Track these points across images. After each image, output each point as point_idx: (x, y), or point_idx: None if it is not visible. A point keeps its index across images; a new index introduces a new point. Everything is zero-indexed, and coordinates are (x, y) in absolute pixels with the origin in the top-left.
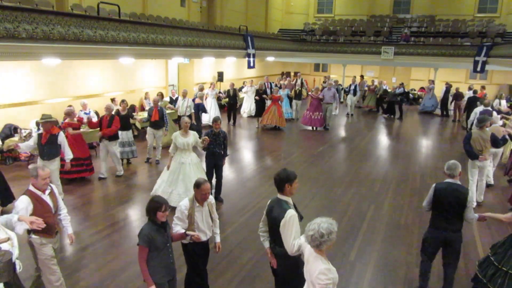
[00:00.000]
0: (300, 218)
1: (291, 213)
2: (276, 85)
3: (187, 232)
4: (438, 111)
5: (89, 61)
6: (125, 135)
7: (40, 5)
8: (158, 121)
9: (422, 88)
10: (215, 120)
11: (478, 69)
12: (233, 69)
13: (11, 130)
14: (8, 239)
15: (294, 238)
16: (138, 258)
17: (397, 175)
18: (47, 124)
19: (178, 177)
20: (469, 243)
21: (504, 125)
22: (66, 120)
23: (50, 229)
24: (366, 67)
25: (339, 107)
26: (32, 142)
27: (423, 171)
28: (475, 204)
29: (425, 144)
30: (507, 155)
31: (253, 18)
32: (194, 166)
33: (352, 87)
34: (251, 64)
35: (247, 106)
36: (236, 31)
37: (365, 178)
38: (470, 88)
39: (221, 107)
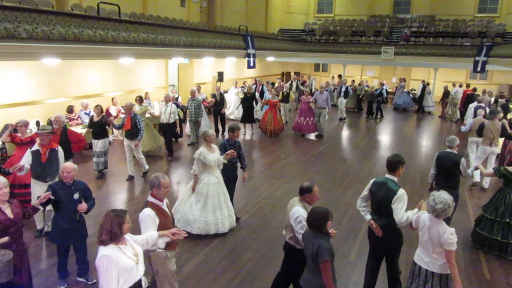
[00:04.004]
0: None
1: (402, 191)
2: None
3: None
4: (415, 107)
5: (89, 61)
6: (100, 144)
7: (40, 5)
8: (131, 130)
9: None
10: (236, 129)
11: (478, 69)
12: (233, 69)
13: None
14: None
15: (404, 211)
16: (325, 275)
17: None
18: (49, 136)
19: (220, 200)
20: None
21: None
22: (18, 135)
23: (174, 241)
24: (366, 67)
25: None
26: (26, 163)
27: (423, 171)
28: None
29: (424, 143)
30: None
31: (253, 18)
32: (223, 184)
33: (343, 89)
34: (251, 64)
35: (229, 107)
36: (236, 31)
37: (365, 178)
38: (460, 85)
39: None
